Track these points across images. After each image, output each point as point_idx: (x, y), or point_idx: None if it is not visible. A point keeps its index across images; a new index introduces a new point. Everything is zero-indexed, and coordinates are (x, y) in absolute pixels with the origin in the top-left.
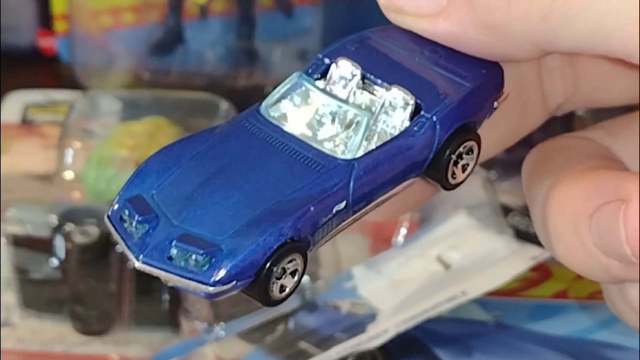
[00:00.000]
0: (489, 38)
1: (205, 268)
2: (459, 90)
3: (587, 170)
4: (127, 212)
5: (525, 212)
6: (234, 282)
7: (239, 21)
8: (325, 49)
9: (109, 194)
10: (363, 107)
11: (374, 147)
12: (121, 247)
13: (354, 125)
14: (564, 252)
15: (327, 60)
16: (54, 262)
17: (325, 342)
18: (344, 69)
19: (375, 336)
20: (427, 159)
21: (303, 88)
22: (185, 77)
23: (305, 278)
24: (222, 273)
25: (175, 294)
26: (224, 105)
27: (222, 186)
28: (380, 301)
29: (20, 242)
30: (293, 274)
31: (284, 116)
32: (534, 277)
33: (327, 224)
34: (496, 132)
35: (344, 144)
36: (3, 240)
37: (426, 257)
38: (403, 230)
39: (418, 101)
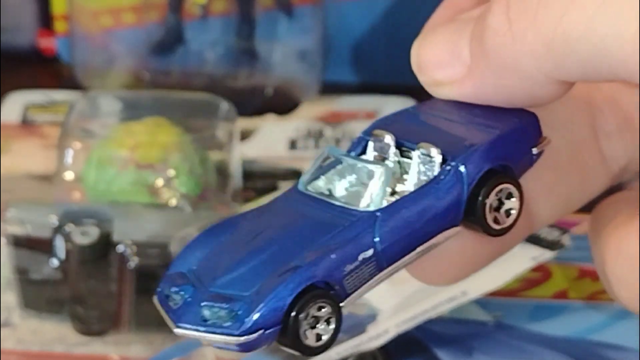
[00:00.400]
0: (506, 80)
1: (233, 321)
2: (485, 137)
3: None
4: (167, 286)
5: None
6: (262, 331)
7: (239, 21)
8: (366, 128)
9: (109, 194)
10: (391, 166)
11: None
12: (167, 322)
13: (375, 180)
14: (627, 294)
15: (366, 137)
16: (54, 262)
17: None
18: (379, 140)
19: (375, 336)
20: (460, 206)
21: (333, 159)
22: (186, 78)
23: None
24: (248, 323)
25: None
26: (224, 105)
27: (252, 251)
28: (380, 301)
29: (21, 243)
30: (328, 322)
31: (317, 186)
32: (534, 277)
33: (356, 272)
34: (556, 196)
35: (369, 198)
36: (3, 240)
37: None
38: None
39: (444, 153)
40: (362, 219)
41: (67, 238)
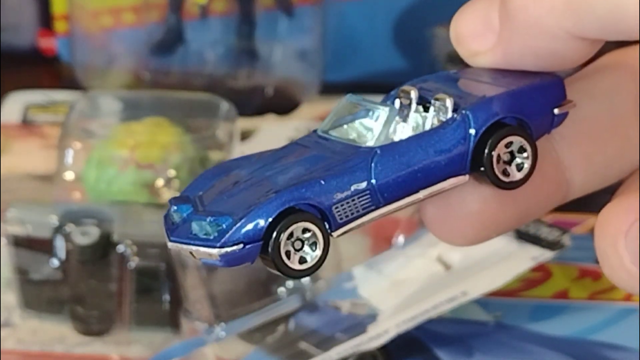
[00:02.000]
0: (531, 41)
1: (216, 234)
2: (497, 91)
3: (631, 191)
4: (170, 206)
5: None
6: (242, 245)
7: (239, 21)
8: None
9: (109, 194)
10: (397, 107)
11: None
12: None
13: (380, 119)
14: (608, 270)
15: (395, 93)
16: (55, 262)
17: (325, 343)
18: (405, 95)
19: (375, 336)
20: (466, 154)
21: (352, 102)
22: (186, 78)
23: (306, 278)
24: (228, 236)
25: (176, 294)
26: (225, 105)
27: (252, 180)
28: (380, 301)
29: (21, 243)
30: (313, 246)
31: (332, 128)
32: (534, 277)
33: (347, 202)
34: (594, 165)
35: (373, 136)
36: (3, 240)
37: (427, 258)
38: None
39: (457, 103)
40: (360, 153)
41: (67, 238)
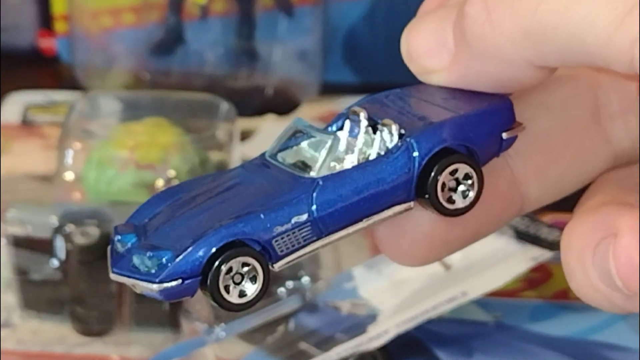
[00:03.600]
0: (488, 67)
1: (156, 269)
2: (445, 115)
3: (599, 205)
4: (115, 235)
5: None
6: (180, 280)
7: (239, 21)
8: (350, 104)
9: (109, 195)
10: (342, 137)
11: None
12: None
13: (323, 149)
14: (575, 285)
15: (345, 113)
16: (55, 262)
17: (325, 343)
18: (355, 116)
19: (375, 337)
20: (410, 182)
21: (298, 127)
22: (186, 78)
23: (306, 279)
24: (167, 272)
25: None
26: (224, 105)
27: (195, 210)
28: (380, 302)
29: (21, 243)
30: (253, 280)
31: (280, 155)
32: (534, 277)
33: (288, 235)
34: (548, 177)
35: (316, 167)
36: (3, 241)
37: None
38: None
39: (403, 129)
40: (302, 184)
41: (67, 238)
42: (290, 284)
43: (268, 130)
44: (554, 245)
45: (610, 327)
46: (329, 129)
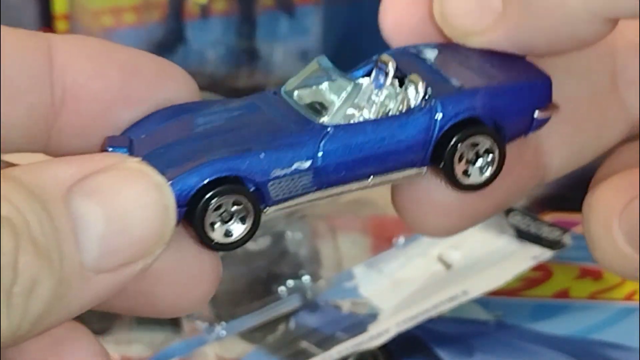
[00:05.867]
0: (548, 22)
1: None
2: (477, 82)
3: (620, 172)
4: (107, 145)
5: (526, 212)
6: None
7: (240, 21)
8: (385, 51)
9: None
10: (364, 85)
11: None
12: None
13: (340, 96)
14: (600, 254)
15: (374, 60)
16: None
17: (326, 342)
18: (383, 65)
19: (376, 336)
20: (427, 146)
21: (321, 67)
22: None
23: (306, 278)
24: None
25: None
26: None
27: (195, 136)
28: (381, 301)
29: None
30: (242, 221)
31: (296, 93)
32: (535, 276)
33: (286, 180)
34: (571, 147)
35: (329, 113)
36: None
37: (427, 257)
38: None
39: (428, 89)
40: (312, 130)
41: None
42: (290, 282)
43: None
44: (554, 245)
45: (611, 326)
46: (353, 74)
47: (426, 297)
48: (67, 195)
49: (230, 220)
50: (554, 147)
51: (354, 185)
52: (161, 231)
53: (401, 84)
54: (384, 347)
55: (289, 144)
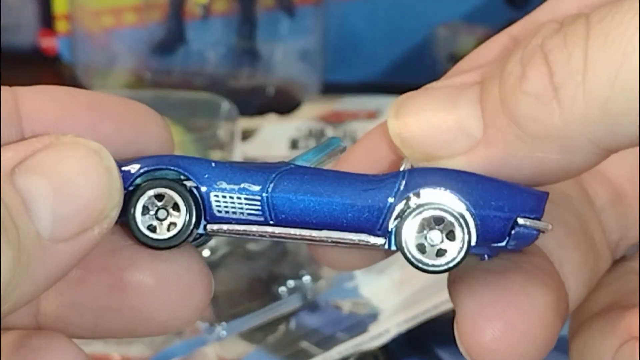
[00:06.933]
0: (542, 150)
1: None
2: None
3: (600, 315)
4: None
5: None
6: None
7: (240, 21)
8: None
9: None
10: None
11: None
12: None
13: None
14: None
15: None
16: None
17: (326, 342)
18: None
19: (376, 336)
20: (384, 214)
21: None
22: (187, 77)
23: (307, 278)
24: None
25: None
26: (226, 105)
27: None
28: (381, 301)
29: None
30: (174, 225)
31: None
32: None
33: (231, 196)
34: (582, 273)
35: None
36: None
37: None
38: None
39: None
40: (275, 165)
41: None
42: (291, 283)
43: (269, 130)
44: None
45: None
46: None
47: (426, 298)
48: (11, 175)
49: (164, 219)
50: (570, 277)
51: (304, 232)
52: (108, 193)
53: None
54: (385, 347)
55: (247, 168)
